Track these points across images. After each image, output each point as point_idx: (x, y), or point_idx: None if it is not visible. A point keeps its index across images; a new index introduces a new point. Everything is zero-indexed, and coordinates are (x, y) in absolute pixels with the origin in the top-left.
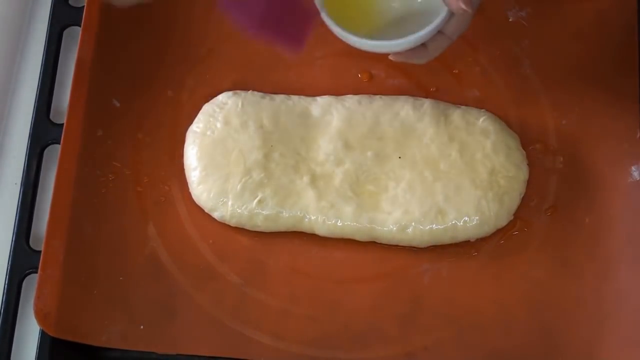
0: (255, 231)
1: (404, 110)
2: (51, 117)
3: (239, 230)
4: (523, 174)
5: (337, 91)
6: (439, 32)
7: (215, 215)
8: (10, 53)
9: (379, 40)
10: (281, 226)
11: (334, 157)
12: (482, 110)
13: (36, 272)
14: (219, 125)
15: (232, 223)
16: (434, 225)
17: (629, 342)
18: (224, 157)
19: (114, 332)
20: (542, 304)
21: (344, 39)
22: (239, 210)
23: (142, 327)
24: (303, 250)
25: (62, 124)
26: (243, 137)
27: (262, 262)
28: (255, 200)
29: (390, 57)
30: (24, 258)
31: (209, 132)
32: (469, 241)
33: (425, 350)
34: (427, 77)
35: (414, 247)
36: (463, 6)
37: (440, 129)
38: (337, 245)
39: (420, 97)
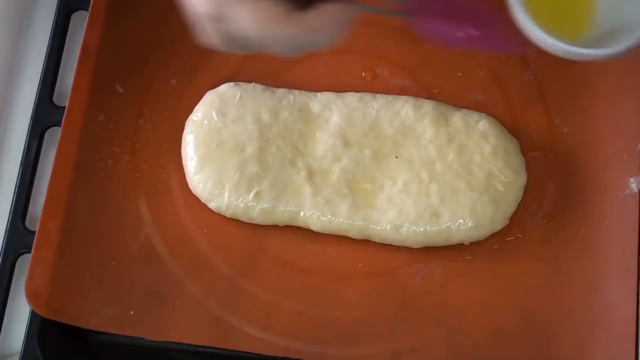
0: (250, 223)
1: (404, 110)
2: (54, 99)
3: (234, 221)
4: (521, 179)
5: (340, 88)
6: None
7: (212, 205)
8: (17, 35)
9: (588, 49)
10: (277, 220)
11: (332, 154)
12: (483, 114)
13: (30, 253)
14: (215, 115)
15: (228, 214)
16: (428, 227)
17: (616, 354)
18: (219, 147)
19: (103, 316)
20: (532, 311)
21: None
22: (235, 202)
23: (132, 312)
24: (296, 245)
25: (64, 107)
26: (238, 129)
27: (255, 255)
28: (252, 193)
29: None
30: (19, 238)
31: (206, 122)
32: (463, 244)
33: (412, 351)
34: (430, 78)
35: (408, 247)
36: None
37: (439, 131)
38: (331, 242)
39: (422, 98)
